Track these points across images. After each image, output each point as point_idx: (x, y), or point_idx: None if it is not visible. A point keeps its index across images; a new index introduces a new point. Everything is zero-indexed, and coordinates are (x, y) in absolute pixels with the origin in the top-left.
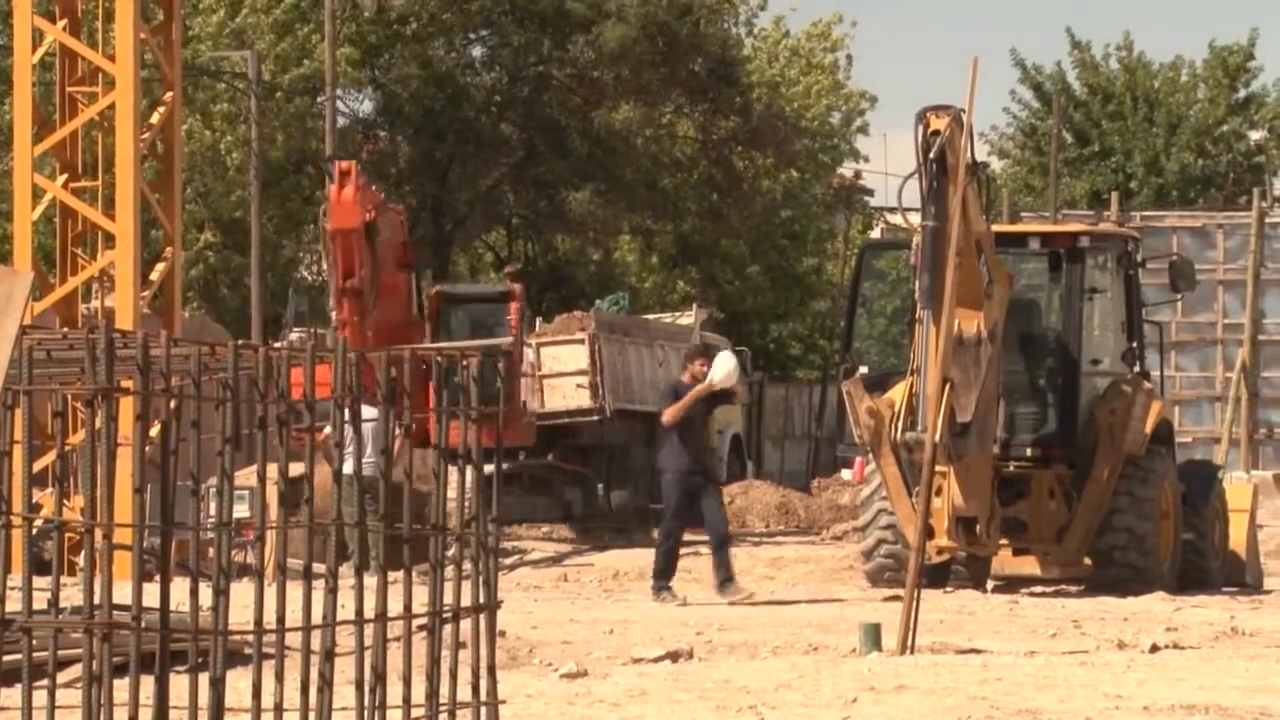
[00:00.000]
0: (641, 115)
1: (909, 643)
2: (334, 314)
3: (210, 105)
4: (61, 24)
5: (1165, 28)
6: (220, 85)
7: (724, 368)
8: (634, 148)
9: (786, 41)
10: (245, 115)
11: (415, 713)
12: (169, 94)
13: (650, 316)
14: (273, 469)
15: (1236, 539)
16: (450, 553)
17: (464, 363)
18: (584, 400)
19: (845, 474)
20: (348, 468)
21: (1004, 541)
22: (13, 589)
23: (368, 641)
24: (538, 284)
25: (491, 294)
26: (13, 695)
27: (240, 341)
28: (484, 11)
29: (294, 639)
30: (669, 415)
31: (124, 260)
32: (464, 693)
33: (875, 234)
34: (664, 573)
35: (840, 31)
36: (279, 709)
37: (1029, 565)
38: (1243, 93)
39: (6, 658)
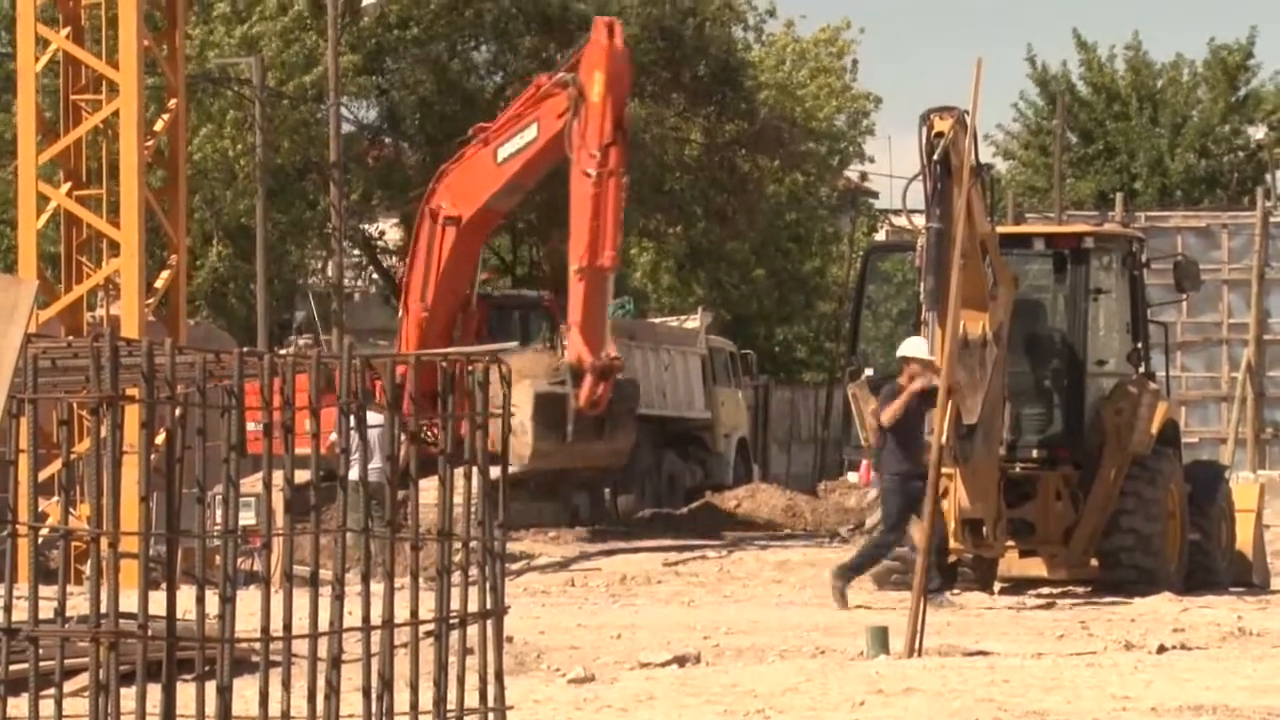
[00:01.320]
0: (646, 115)
1: (916, 645)
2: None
3: (223, 114)
4: (65, 31)
5: (1168, 28)
6: (228, 93)
7: (914, 345)
8: (640, 147)
9: (795, 46)
10: (251, 122)
11: (423, 719)
12: (173, 101)
13: (656, 320)
14: (278, 476)
15: (1243, 539)
16: (457, 558)
17: (470, 368)
18: None
19: (852, 476)
20: (353, 474)
21: (1011, 543)
22: (19, 598)
23: (375, 648)
24: (543, 288)
25: (530, 300)
26: (20, 705)
27: (245, 349)
28: (487, 14)
29: (301, 646)
30: (887, 417)
31: (129, 268)
32: (471, 699)
33: (880, 236)
34: (855, 570)
35: (848, 37)
36: (286, 717)
37: (1036, 567)
38: (1242, 90)
39: (13, 667)
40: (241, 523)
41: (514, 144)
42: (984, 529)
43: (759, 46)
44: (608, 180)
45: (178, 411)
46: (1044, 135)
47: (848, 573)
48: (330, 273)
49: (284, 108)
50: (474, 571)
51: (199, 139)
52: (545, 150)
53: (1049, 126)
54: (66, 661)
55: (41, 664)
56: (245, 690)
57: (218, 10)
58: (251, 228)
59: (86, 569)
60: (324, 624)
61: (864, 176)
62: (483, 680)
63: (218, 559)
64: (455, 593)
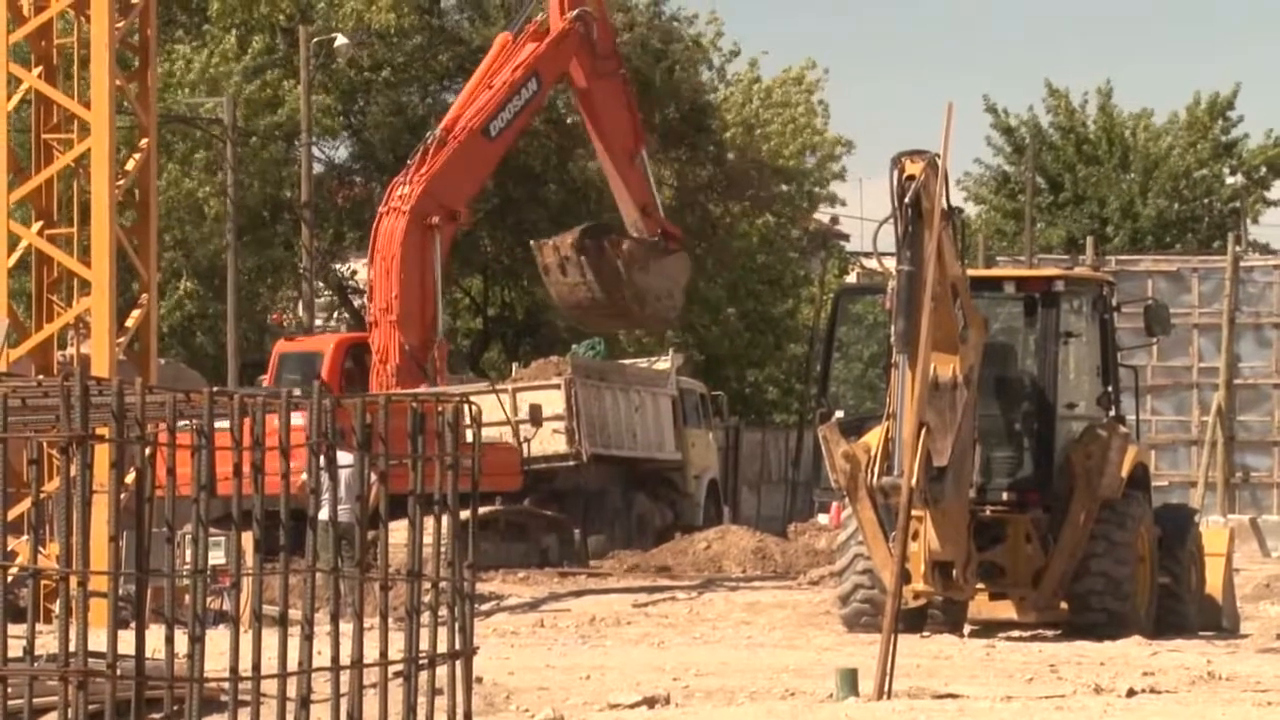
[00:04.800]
0: None
1: (886, 688)
2: None
3: (191, 154)
4: (37, 71)
5: (1142, 82)
6: (197, 133)
7: None
8: (609, 195)
9: (758, 87)
10: (220, 162)
11: None
12: (144, 140)
13: (627, 362)
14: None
15: (1213, 583)
16: (426, 598)
17: (440, 409)
18: (561, 445)
19: (822, 518)
20: (323, 514)
21: (981, 586)
22: None
23: (343, 688)
24: (514, 330)
25: None
26: None
27: (216, 388)
28: (456, 59)
29: (270, 686)
30: None
31: (100, 307)
32: None
33: (851, 278)
34: None
35: (813, 76)
36: None
37: (1006, 610)
38: (1224, 139)
39: None
40: (211, 562)
41: (508, 110)
42: (954, 571)
43: (724, 86)
44: (623, 75)
45: (147, 450)
46: (1011, 182)
47: None
48: (301, 312)
49: (253, 147)
50: (443, 612)
51: (164, 179)
52: (538, 101)
53: (1015, 174)
54: (35, 700)
55: (10, 703)
56: None
57: (178, 52)
58: (220, 267)
59: (56, 608)
60: (293, 664)
61: (835, 219)
62: None
63: (187, 598)
64: (424, 633)
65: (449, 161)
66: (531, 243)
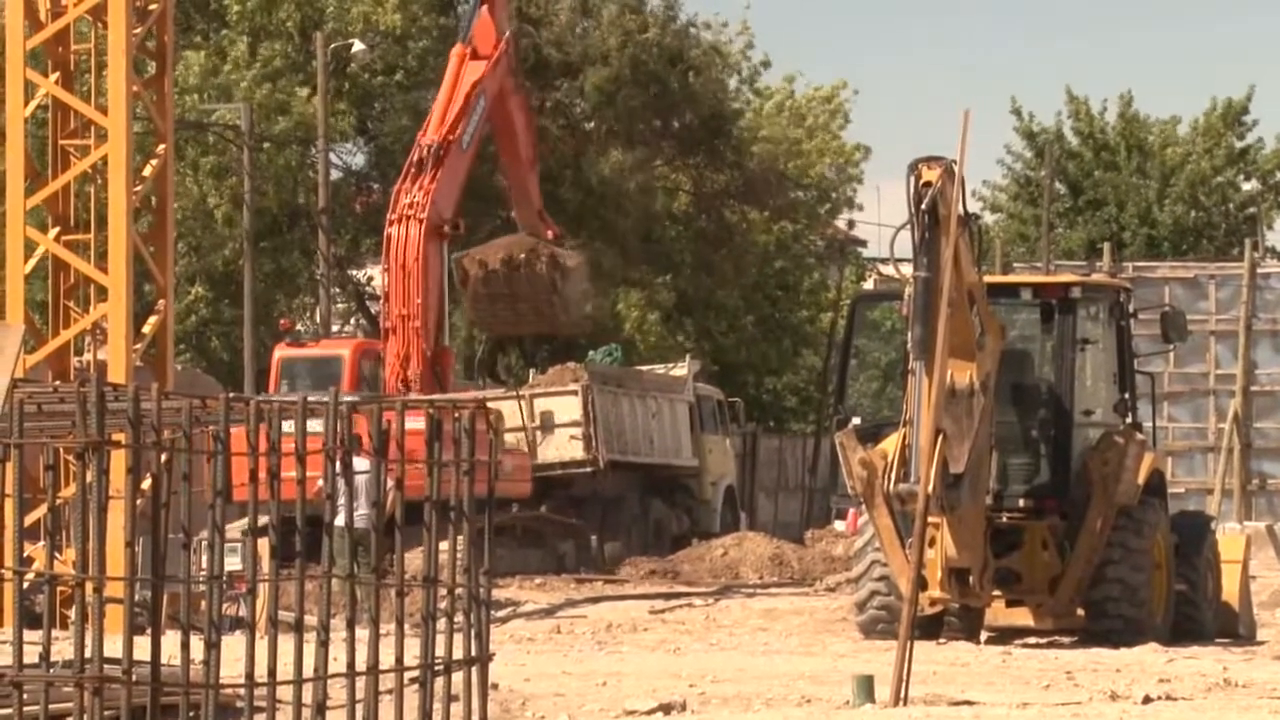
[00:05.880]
0: (633, 162)
1: (902, 695)
2: None
3: (200, 159)
4: (54, 77)
5: (1164, 88)
6: (210, 139)
7: None
8: (625, 195)
9: (791, 103)
10: (234, 168)
11: None
12: (161, 146)
13: (644, 368)
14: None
15: (1229, 590)
16: (442, 605)
17: (456, 414)
18: (578, 452)
19: (839, 525)
20: (339, 520)
21: (997, 593)
22: (3, 643)
23: (359, 695)
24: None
25: None
26: None
27: (232, 394)
28: None
29: (285, 692)
30: None
31: (116, 313)
32: None
33: (868, 285)
34: None
35: (844, 96)
36: None
37: (1022, 616)
38: (1238, 145)
39: None
40: (227, 568)
41: (472, 124)
42: (970, 578)
43: (755, 99)
44: (527, 88)
45: (164, 457)
46: (1032, 187)
47: None
48: (318, 318)
49: (268, 152)
50: (459, 618)
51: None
52: (485, 115)
53: (1037, 178)
54: (51, 706)
55: (26, 709)
56: None
57: (188, 58)
58: (234, 273)
59: (72, 614)
60: (309, 670)
61: (852, 225)
62: None
63: (203, 604)
64: (440, 639)
65: (445, 172)
66: (453, 257)
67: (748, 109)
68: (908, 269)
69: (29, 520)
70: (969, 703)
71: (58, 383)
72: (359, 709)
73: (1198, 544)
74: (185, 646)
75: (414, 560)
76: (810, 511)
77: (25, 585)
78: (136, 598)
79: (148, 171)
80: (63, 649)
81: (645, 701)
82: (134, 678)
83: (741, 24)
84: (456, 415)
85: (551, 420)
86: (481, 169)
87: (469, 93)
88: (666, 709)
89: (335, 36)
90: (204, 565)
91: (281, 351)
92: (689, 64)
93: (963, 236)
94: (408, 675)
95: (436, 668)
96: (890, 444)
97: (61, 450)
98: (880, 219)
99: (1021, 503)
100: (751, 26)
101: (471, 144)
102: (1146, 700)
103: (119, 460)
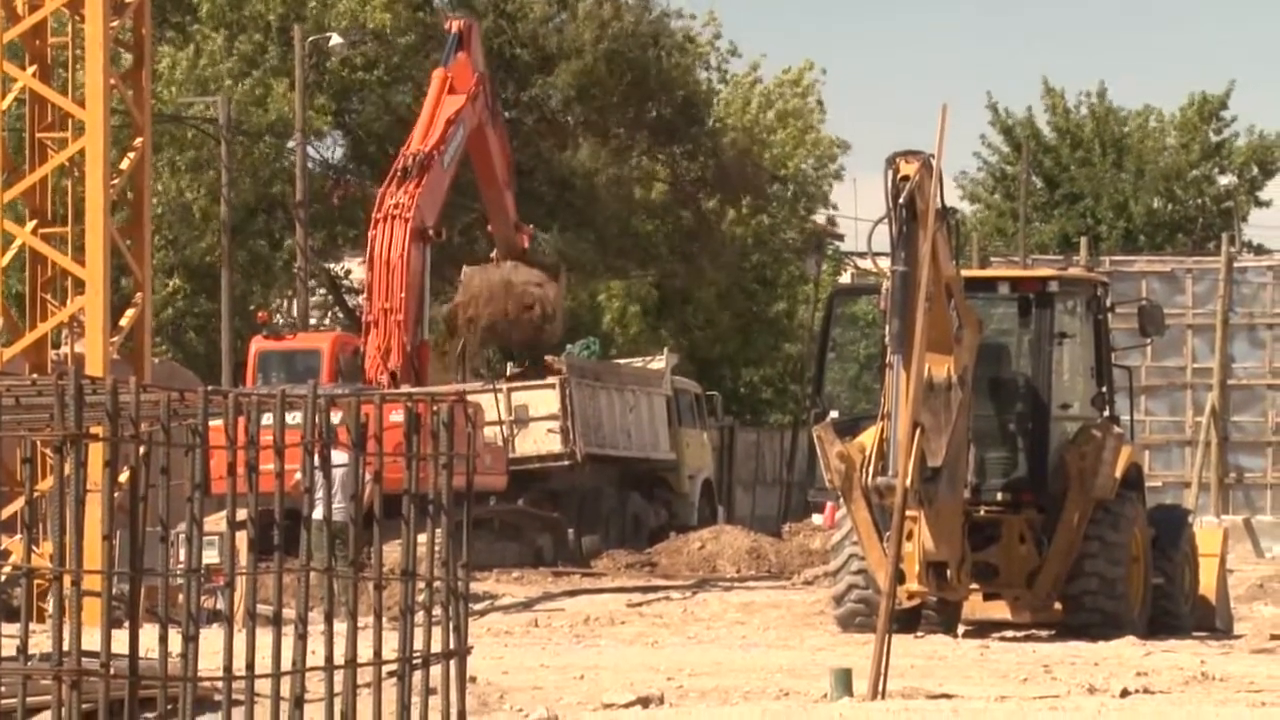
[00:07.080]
0: (607, 154)
1: (880, 688)
2: None
3: (177, 155)
4: (31, 70)
5: (1140, 79)
6: (187, 133)
7: None
8: (599, 187)
9: (759, 88)
10: (212, 162)
11: None
12: (138, 140)
13: (621, 361)
14: (242, 514)
15: (1207, 583)
16: (420, 598)
17: (435, 408)
18: (555, 445)
19: (816, 519)
20: (317, 513)
21: (975, 586)
22: None
23: (338, 688)
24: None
25: None
26: None
27: (210, 387)
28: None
29: (264, 685)
30: None
31: (94, 306)
32: None
33: (845, 279)
34: None
35: (811, 78)
36: None
37: (1000, 610)
38: (1214, 139)
39: None
40: (205, 561)
41: (452, 147)
42: (948, 572)
43: (724, 88)
44: (503, 115)
45: (141, 450)
46: (1008, 180)
47: None
48: (294, 311)
49: (243, 144)
50: (437, 611)
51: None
52: (463, 143)
53: (1013, 171)
54: (29, 700)
55: (4, 702)
56: None
57: (162, 52)
58: (211, 265)
59: (49, 607)
60: (287, 663)
61: (830, 219)
62: None
63: (181, 597)
64: (419, 633)
65: (428, 183)
66: (444, 310)
67: (716, 99)
68: (885, 263)
69: (6, 513)
70: (947, 696)
71: (35, 375)
72: (337, 702)
73: (1175, 538)
74: (163, 640)
75: (392, 553)
76: (788, 505)
77: (2, 578)
78: (114, 591)
79: (125, 165)
80: (40, 642)
81: (623, 695)
82: (112, 671)
83: (709, 14)
84: (435, 409)
85: (528, 414)
86: (460, 170)
87: (449, 121)
88: (644, 702)
89: (315, 30)
90: (182, 558)
91: (259, 344)
92: (661, 49)
93: (940, 230)
94: (386, 668)
95: (414, 661)
96: (868, 437)
97: (39, 443)
98: (858, 213)
99: (999, 496)
100: (719, 18)
101: (451, 165)
102: (1124, 693)
103: (96, 453)
